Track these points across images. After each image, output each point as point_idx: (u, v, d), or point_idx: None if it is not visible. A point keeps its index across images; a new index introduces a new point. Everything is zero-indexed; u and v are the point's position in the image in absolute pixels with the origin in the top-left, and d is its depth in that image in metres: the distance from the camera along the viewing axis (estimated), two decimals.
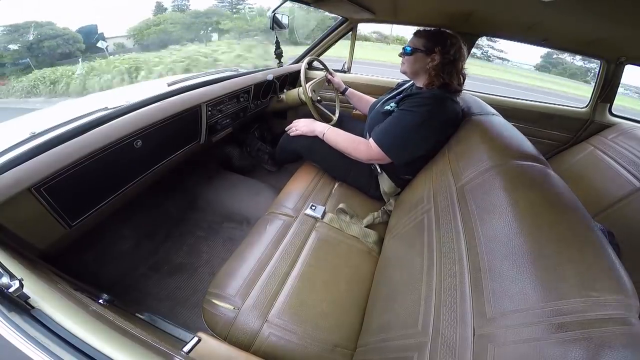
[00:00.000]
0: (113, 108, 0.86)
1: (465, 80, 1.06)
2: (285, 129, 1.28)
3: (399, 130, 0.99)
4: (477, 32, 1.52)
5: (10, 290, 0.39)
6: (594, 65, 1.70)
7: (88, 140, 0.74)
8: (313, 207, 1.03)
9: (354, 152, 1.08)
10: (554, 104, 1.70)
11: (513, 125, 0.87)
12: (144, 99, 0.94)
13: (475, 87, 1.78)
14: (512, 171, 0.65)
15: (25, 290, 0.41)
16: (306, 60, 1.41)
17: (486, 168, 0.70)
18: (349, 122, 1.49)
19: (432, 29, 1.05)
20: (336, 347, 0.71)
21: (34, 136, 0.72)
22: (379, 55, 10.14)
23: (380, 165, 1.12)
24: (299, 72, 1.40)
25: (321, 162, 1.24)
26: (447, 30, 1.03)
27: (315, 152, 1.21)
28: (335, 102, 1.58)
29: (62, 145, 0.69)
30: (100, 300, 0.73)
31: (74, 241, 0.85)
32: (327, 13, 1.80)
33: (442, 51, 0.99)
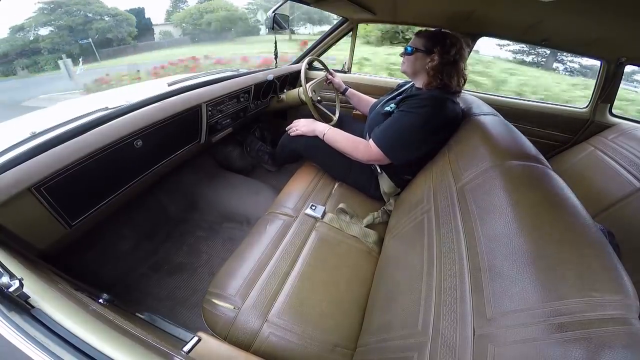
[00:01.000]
0: (113, 108, 0.87)
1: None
2: (286, 129, 1.28)
3: (398, 132, 0.99)
4: (477, 32, 1.52)
5: (10, 289, 0.39)
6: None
7: (88, 140, 0.74)
8: (313, 207, 1.03)
9: (354, 152, 1.08)
10: (554, 104, 1.70)
11: (513, 125, 0.87)
12: (144, 99, 0.95)
13: None
14: (512, 171, 0.65)
15: (25, 289, 0.41)
16: (306, 60, 1.41)
17: (486, 168, 0.70)
18: (349, 122, 1.49)
19: (434, 29, 1.05)
20: (336, 347, 0.71)
21: (34, 136, 0.72)
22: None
23: (380, 166, 1.12)
24: (299, 72, 1.40)
25: (321, 162, 1.24)
26: (449, 31, 1.03)
27: (316, 152, 1.21)
28: (335, 102, 1.58)
29: (62, 145, 0.69)
30: (100, 300, 0.73)
31: (74, 241, 0.85)
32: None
33: (441, 51, 0.99)
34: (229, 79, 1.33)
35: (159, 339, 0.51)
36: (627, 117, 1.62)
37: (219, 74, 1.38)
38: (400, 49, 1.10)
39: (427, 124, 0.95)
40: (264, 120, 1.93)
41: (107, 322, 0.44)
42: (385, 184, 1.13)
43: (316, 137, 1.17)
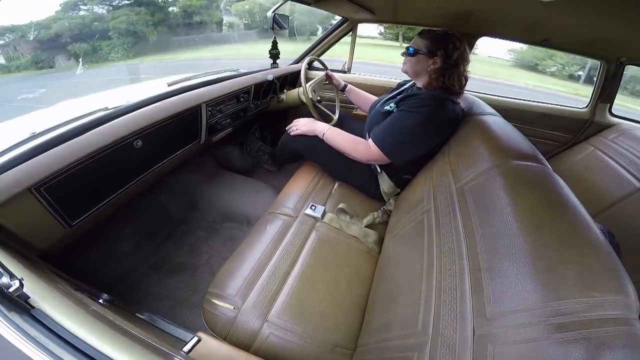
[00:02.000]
0: (113, 108, 0.86)
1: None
2: (286, 129, 1.28)
3: (398, 131, 0.99)
4: (477, 32, 1.52)
5: (10, 290, 0.39)
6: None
7: (88, 140, 0.74)
8: (313, 207, 1.03)
9: (353, 152, 1.08)
10: (554, 105, 1.70)
11: (513, 125, 0.88)
12: (144, 99, 0.94)
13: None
14: (512, 171, 0.65)
15: (25, 290, 0.41)
16: (306, 60, 1.41)
17: (486, 168, 0.70)
18: (349, 122, 1.48)
19: (437, 30, 1.04)
20: (336, 347, 0.71)
21: (34, 136, 0.72)
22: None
23: (380, 165, 1.12)
24: (299, 72, 1.40)
25: (321, 161, 1.24)
26: (452, 33, 1.02)
27: (316, 152, 1.21)
28: (335, 102, 1.58)
29: (62, 145, 0.69)
30: (100, 300, 0.73)
31: (74, 241, 0.85)
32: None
33: (444, 55, 0.98)
34: (229, 79, 1.32)
35: (158, 339, 0.51)
36: (627, 117, 1.62)
37: (218, 74, 1.38)
38: None
39: (427, 124, 0.95)
40: (264, 120, 1.93)
41: (107, 323, 0.44)
42: (385, 183, 1.13)
43: (316, 136, 1.17)
